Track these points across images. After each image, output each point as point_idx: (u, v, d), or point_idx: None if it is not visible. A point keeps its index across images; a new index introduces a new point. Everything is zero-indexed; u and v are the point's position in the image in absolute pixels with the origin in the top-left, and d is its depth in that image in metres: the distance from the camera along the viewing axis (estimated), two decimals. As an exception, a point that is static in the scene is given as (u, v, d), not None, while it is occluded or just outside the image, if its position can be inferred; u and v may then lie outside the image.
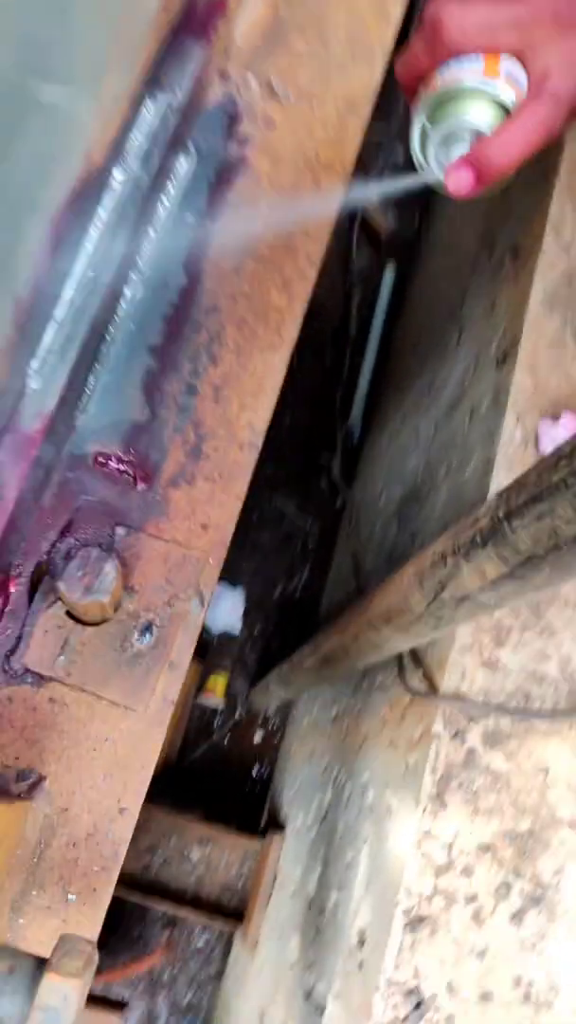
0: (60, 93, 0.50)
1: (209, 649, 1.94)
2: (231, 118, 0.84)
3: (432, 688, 0.77)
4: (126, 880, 1.41)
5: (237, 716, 1.94)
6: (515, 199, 1.06)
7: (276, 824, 1.44)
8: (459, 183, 0.64)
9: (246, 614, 1.99)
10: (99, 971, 1.67)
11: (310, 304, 2.07)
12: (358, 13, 0.89)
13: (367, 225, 2.16)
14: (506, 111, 0.62)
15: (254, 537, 2.07)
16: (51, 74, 0.48)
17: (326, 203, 0.82)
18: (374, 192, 0.70)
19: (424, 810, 0.71)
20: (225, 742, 1.93)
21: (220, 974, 1.77)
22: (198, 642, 1.94)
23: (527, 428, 0.81)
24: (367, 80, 0.88)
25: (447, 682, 0.75)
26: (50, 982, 0.45)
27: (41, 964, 0.47)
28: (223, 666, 1.94)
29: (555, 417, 0.81)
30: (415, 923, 0.68)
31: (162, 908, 1.43)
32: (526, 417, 0.81)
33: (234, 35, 0.86)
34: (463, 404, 1.00)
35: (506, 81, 0.62)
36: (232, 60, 0.86)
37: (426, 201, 2.17)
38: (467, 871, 0.70)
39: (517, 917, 0.69)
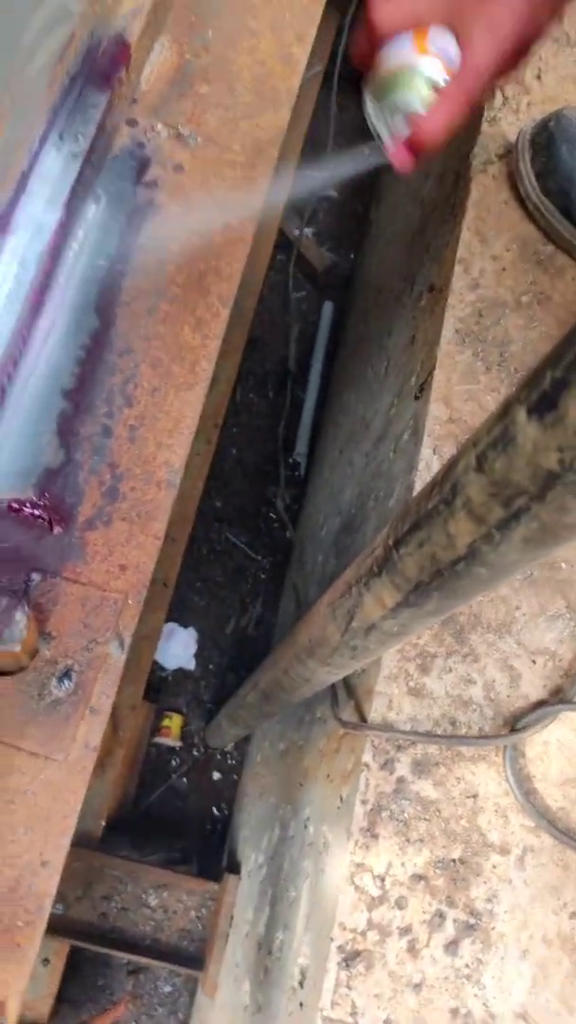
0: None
1: (163, 688, 1.92)
2: (140, 163, 0.85)
3: (362, 718, 0.77)
4: (84, 930, 1.38)
5: (195, 755, 1.92)
6: (431, 237, 1.09)
7: (235, 864, 1.42)
8: (402, 163, 0.73)
9: (199, 651, 1.98)
10: (63, 1027, 1.61)
11: (251, 339, 2.07)
12: (262, 58, 0.91)
13: (304, 261, 2.19)
14: (439, 84, 0.70)
15: (205, 572, 2.06)
16: None
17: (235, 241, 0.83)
18: (333, 171, 0.78)
19: (356, 843, 0.71)
20: (184, 782, 1.90)
21: (188, 1021, 1.73)
22: (151, 682, 1.90)
23: (443, 457, 0.82)
24: (274, 122, 0.90)
25: (375, 711, 0.75)
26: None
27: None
28: (178, 705, 1.92)
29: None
30: (350, 958, 0.68)
31: (121, 957, 1.39)
32: (442, 447, 0.83)
33: (140, 83, 0.88)
34: (388, 435, 1.01)
35: (435, 56, 0.69)
36: (139, 107, 0.87)
37: (359, 238, 2.21)
38: (400, 903, 0.70)
39: (452, 947, 0.69)
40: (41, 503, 0.71)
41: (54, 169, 0.74)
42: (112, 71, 0.81)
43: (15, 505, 0.70)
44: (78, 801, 0.64)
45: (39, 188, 0.72)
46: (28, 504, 0.71)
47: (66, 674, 0.66)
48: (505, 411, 0.31)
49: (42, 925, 0.63)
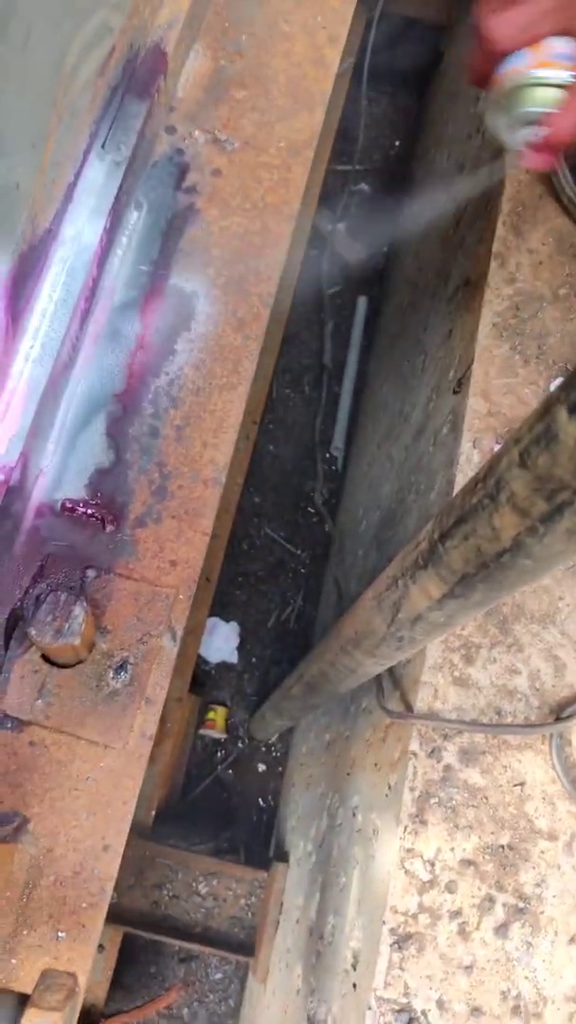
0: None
1: (207, 682, 1.95)
2: (179, 169, 0.87)
3: (408, 708, 0.78)
4: (136, 918, 1.41)
5: (240, 747, 1.94)
6: (466, 232, 1.09)
7: (282, 853, 1.44)
8: (536, 162, 0.75)
9: (242, 644, 2.00)
10: (117, 1012, 1.66)
11: (286, 335, 2.08)
12: (296, 61, 0.93)
13: (337, 256, 2.20)
14: (562, 88, 0.71)
15: (246, 567, 2.08)
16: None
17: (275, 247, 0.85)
18: (476, 186, 0.83)
19: (405, 829, 0.72)
20: (230, 773, 1.93)
21: (240, 1007, 1.76)
22: (196, 675, 1.92)
23: (484, 451, 0.83)
24: (308, 124, 0.91)
25: (421, 701, 0.76)
26: (32, 1016, 0.46)
27: (25, 1000, 0.49)
28: (222, 698, 1.95)
29: (510, 436, 0.83)
30: (402, 940, 0.69)
31: (173, 944, 1.43)
32: (482, 440, 0.84)
33: (177, 90, 0.90)
34: (427, 429, 1.03)
35: (555, 63, 0.71)
36: (177, 114, 0.90)
37: (392, 234, 2.21)
38: (450, 887, 0.71)
39: (502, 930, 0.70)
40: (94, 502, 0.74)
41: (98, 179, 0.77)
42: (151, 81, 0.84)
43: (69, 505, 0.73)
44: (136, 787, 0.66)
45: (84, 198, 0.75)
46: (82, 504, 0.73)
47: (122, 666, 0.68)
48: (546, 410, 0.32)
49: (104, 907, 0.65)
